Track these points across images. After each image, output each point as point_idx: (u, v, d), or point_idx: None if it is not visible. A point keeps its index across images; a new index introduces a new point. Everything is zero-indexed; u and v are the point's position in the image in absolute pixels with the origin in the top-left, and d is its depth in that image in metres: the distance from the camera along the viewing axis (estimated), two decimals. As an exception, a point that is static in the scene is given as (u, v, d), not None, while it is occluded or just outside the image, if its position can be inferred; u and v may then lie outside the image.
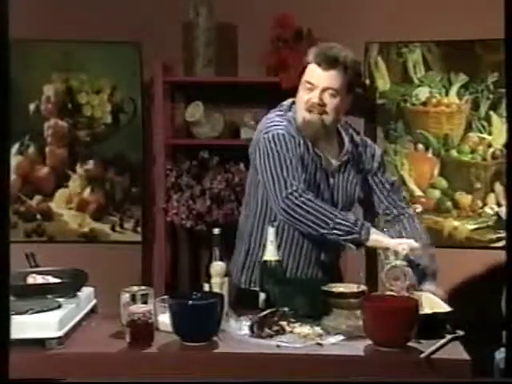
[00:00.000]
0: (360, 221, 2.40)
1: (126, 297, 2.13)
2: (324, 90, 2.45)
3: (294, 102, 2.57)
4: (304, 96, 2.48)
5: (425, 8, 3.61)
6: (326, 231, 2.35)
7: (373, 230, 2.38)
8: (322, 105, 2.46)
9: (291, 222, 2.40)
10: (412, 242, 2.38)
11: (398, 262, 2.30)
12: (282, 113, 2.56)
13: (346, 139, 2.62)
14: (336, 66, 2.44)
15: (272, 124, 2.50)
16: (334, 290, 2.36)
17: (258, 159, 2.48)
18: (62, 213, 3.87)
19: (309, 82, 2.46)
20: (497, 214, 3.69)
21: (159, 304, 2.22)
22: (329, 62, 2.44)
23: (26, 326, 2.05)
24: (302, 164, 2.46)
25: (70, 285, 2.38)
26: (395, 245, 2.35)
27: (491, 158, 3.70)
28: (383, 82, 3.75)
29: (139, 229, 3.86)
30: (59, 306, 2.19)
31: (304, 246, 2.57)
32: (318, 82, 2.45)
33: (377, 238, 2.37)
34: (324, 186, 2.54)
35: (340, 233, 2.35)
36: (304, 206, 2.35)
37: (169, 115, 3.76)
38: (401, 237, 2.51)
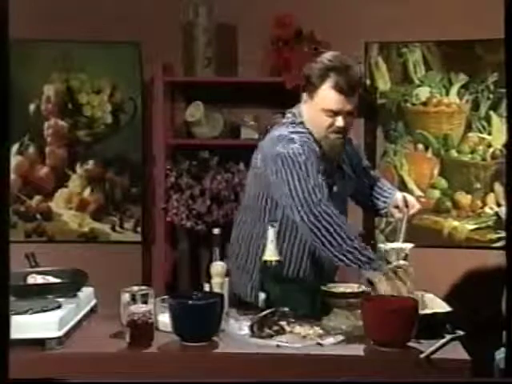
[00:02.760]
0: (377, 259, 2.30)
1: (126, 297, 2.13)
2: (348, 114, 2.43)
3: (295, 112, 2.54)
4: (325, 120, 2.43)
5: (425, 8, 3.61)
6: (335, 252, 2.28)
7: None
8: (346, 127, 2.46)
9: (313, 229, 2.30)
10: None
11: (401, 262, 2.31)
12: (293, 127, 2.49)
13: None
14: (357, 91, 2.44)
15: (288, 139, 2.42)
16: (333, 290, 2.37)
17: (278, 173, 2.39)
18: (61, 213, 3.87)
19: (330, 110, 2.41)
20: (496, 214, 3.69)
21: (159, 304, 2.22)
22: (352, 89, 2.41)
23: (26, 325, 2.05)
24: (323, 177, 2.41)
25: (70, 285, 2.38)
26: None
27: (491, 158, 3.70)
28: (383, 82, 3.76)
29: (139, 229, 3.86)
30: (59, 306, 2.19)
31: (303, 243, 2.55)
32: (341, 108, 2.41)
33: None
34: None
35: (347, 261, 2.27)
36: (327, 217, 2.28)
37: (169, 115, 3.76)
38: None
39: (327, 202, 2.32)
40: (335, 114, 2.42)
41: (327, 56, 2.46)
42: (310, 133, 2.48)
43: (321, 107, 2.43)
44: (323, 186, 2.36)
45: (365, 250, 2.28)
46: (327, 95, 2.41)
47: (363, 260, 2.25)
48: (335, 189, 2.52)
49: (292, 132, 2.46)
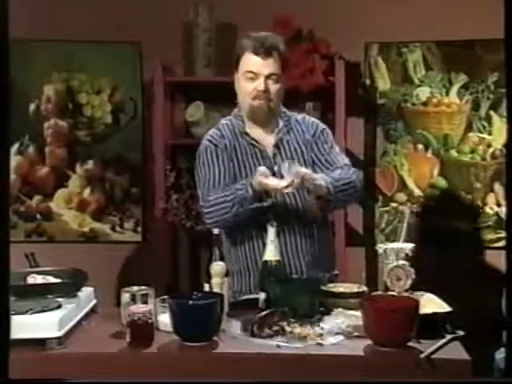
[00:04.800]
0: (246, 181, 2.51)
1: (126, 297, 2.13)
2: (267, 78, 2.56)
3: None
4: (248, 85, 2.58)
5: (425, 8, 3.61)
6: (228, 215, 2.50)
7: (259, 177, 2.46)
8: (267, 91, 2.56)
9: (215, 226, 2.48)
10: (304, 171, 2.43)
11: (400, 262, 2.31)
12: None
13: (280, 124, 2.66)
14: (273, 54, 2.56)
15: (213, 130, 2.71)
16: (333, 290, 2.37)
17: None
18: (61, 213, 3.87)
19: (251, 72, 2.56)
20: (497, 214, 3.69)
21: (159, 304, 2.22)
22: (267, 50, 2.55)
23: (26, 325, 2.05)
24: (232, 162, 2.62)
25: (70, 285, 2.38)
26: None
27: (491, 158, 3.70)
28: (383, 82, 3.76)
29: (139, 229, 3.86)
30: (59, 306, 2.19)
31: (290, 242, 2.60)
32: (260, 70, 2.55)
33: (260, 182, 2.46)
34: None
35: (235, 204, 2.49)
36: (211, 209, 2.56)
37: (169, 115, 3.76)
38: None
39: (208, 197, 2.58)
40: (255, 77, 2.55)
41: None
42: (239, 111, 2.67)
43: (242, 73, 2.59)
44: (222, 177, 2.61)
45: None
46: (246, 59, 2.58)
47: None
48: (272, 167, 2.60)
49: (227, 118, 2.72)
